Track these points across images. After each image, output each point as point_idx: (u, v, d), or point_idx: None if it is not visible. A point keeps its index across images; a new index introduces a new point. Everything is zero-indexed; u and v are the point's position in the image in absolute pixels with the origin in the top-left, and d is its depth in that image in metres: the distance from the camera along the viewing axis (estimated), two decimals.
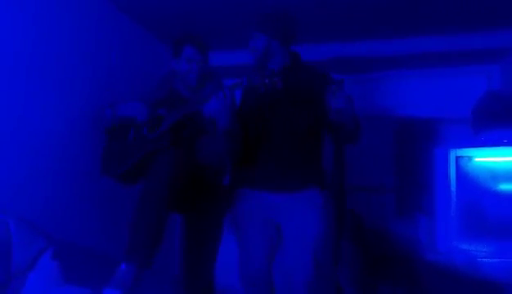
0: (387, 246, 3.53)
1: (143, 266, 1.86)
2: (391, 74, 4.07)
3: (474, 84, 3.77)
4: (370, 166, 4.04)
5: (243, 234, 2.34)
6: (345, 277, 3.54)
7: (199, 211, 2.24)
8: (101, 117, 2.34)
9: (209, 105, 2.04)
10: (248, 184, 2.30)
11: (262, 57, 2.28)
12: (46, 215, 2.37)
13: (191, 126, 2.16)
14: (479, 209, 2.43)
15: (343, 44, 3.64)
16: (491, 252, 2.33)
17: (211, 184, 2.26)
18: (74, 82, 2.70)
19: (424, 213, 2.92)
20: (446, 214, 2.44)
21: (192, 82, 2.26)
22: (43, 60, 2.49)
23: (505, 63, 3.70)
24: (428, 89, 4.00)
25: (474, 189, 2.44)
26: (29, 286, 1.99)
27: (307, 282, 2.24)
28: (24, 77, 2.36)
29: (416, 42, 3.54)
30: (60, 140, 2.58)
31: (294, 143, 2.25)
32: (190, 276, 2.29)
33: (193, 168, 2.08)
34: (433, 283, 2.50)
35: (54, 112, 2.55)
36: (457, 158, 2.45)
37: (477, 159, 2.45)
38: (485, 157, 2.47)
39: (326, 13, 3.16)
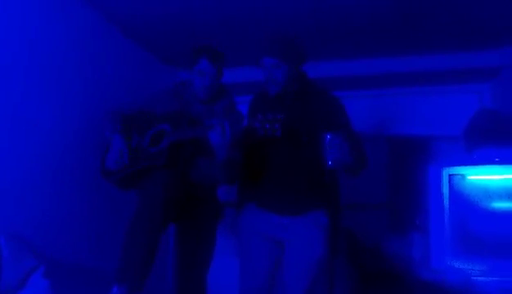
0: (380, 263, 3.51)
1: (134, 289, 1.85)
2: (384, 92, 4.10)
3: (466, 102, 3.80)
4: (364, 183, 4.02)
5: (245, 250, 2.32)
6: None
7: (192, 221, 2.24)
8: (102, 135, 2.33)
9: (211, 135, 2.01)
10: (255, 202, 2.28)
11: (283, 87, 2.20)
12: (38, 232, 2.35)
13: (190, 148, 2.16)
14: (473, 227, 2.43)
15: (337, 62, 3.67)
16: (484, 271, 2.32)
17: (204, 198, 2.26)
18: (68, 95, 2.70)
19: (417, 231, 2.92)
20: (439, 232, 2.44)
21: (202, 95, 2.20)
22: (37, 72, 2.49)
23: (496, 81, 3.73)
24: (421, 107, 4.02)
25: (467, 207, 2.44)
26: None
27: None
28: (18, 90, 2.36)
29: (409, 61, 3.58)
30: (52, 156, 2.56)
31: (297, 171, 2.23)
32: (184, 286, 2.27)
33: (187, 186, 2.08)
34: None
35: (47, 128, 2.54)
36: (450, 176, 2.46)
37: (470, 177, 2.47)
38: (478, 175, 2.48)
39: (321, 32, 3.19)
